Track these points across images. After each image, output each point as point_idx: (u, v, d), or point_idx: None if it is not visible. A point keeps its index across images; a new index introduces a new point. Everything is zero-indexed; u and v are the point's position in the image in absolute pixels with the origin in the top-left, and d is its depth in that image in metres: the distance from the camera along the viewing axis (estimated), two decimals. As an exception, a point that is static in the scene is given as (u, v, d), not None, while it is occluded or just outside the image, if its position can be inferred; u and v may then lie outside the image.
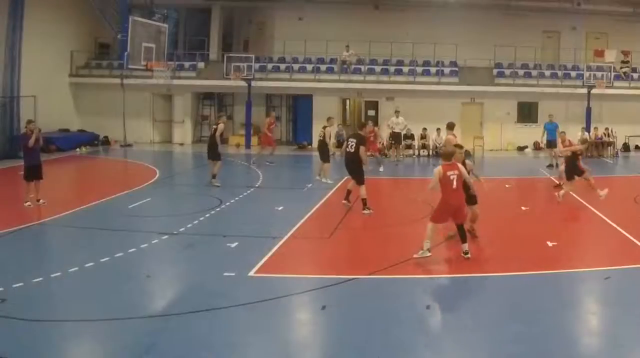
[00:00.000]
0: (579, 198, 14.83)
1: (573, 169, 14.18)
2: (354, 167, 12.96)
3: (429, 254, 9.16)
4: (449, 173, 9.26)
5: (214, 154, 15.91)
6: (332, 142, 15.47)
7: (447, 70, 26.94)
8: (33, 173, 13.22)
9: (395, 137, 23.41)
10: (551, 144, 21.33)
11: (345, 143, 13.68)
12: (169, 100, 28.09)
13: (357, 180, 12.95)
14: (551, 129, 21.48)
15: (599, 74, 25.79)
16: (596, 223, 12.25)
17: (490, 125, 26.64)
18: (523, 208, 13.55)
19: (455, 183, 9.24)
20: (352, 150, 12.86)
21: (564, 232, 11.65)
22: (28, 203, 13.11)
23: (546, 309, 7.41)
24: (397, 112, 24.01)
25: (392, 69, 27.10)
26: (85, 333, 6.83)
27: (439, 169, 9.35)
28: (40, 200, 13.22)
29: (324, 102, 26.67)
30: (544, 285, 8.46)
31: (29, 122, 13.70)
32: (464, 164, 10.06)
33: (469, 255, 9.28)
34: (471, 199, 10.22)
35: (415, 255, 9.18)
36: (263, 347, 6.56)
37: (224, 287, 8.21)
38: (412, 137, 25.02)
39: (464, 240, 9.42)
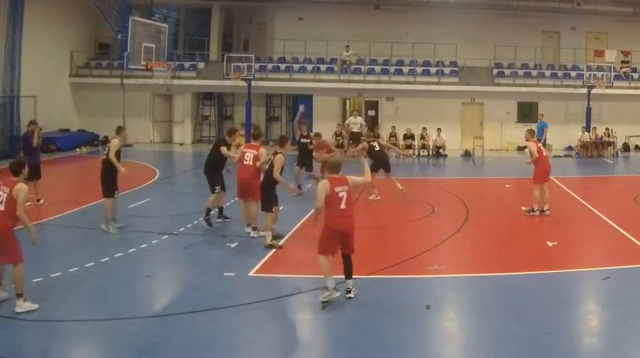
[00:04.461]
0: (579, 198, 14.85)
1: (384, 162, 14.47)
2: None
3: (337, 294, 7.47)
4: (337, 189, 7.54)
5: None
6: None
7: (447, 70, 26.93)
8: (33, 173, 13.23)
9: (353, 137, 23.46)
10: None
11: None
12: (169, 100, 28.09)
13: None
14: (539, 129, 21.87)
15: (599, 74, 25.79)
16: (596, 223, 12.25)
17: (490, 125, 26.63)
18: (523, 208, 13.54)
19: (344, 202, 7.50)
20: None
21: (564, 232, 11.64)
22: (28, 203, 13.09)
23: (546, 309, 7.42)
24: (355, 112, 24.25)
25: (392, 69, 27.09)
26: (85, 333, 6.84)
27: (324, 184, 7.55)
28: (40, 200, 13.22)
29: (324, 102, 26.67)
30: (544, 285, 8.46)
31: (32, 122, 13.78)
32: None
33: (352, 295, 7.64)
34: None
35: (321, 298, 7.50)
36: (263, 347, 6.56)
37: (224, 287, 8.22)
38: (412, 137, 25.03)
39: (349, 275, 7.70)
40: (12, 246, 7.16)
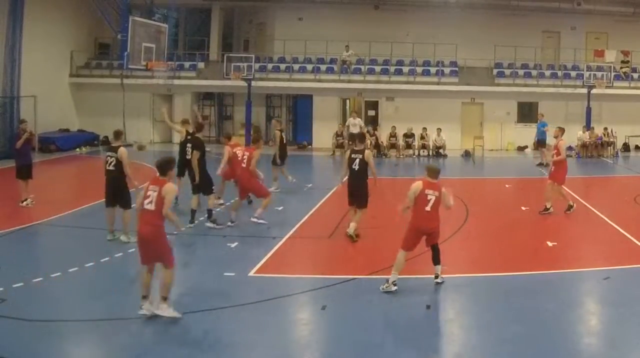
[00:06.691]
0: (579, 198, 14.84)
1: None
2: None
3: (394, 288, 8.01)
4: (427, 191, 8.07)
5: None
6: None
7: (447, 70, 26.92)
8: (24, 172, 13.23)
9: (352, 138, 23.49)
10: (540, 143, 22.11)
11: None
12: (169, 100, 28.07)
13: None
14: (539, 128, 22.01)
15: (599, 74, 25.77)
16: (596, 223, 12.25)
17: (490, 125, 26.63)
18: (523, 208, 13.55)
19: (430, 205, 8.04)
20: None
21: (564, 232, 11.65)
22: (25, 202, 13.10)
23: (546, 309, 7.42)
24: (353, 113, 24.34)
25: (392, 69, 27.08)
26: (85, 333, 6.84)
27: (417, 185, 8.11)
28: (28, 199, 13.10)
29: (324, 102, 26.67)
30: (544, 285, 8.47)
31: (21, 122, 13.85)
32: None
33: (440, 280, 8.27)
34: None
35: (381, 288, 8.06)
36: (263, 347, 6.56)
37: (224, 287, 8.22)
38: (412, 136, 25.05)
39: (437, 261, 8.33)
40: (164, 245, 7.15)
